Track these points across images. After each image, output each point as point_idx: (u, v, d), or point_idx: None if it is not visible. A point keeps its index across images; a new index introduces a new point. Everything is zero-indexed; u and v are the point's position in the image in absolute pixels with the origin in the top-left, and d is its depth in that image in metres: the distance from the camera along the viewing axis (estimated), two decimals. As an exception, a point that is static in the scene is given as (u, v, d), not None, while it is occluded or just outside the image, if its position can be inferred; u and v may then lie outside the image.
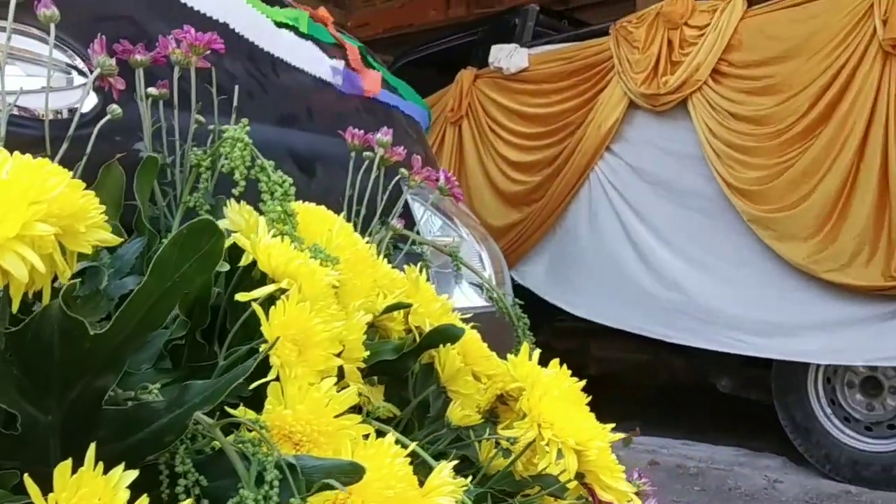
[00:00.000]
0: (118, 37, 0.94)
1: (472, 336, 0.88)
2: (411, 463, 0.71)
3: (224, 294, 0.74)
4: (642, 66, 3.43)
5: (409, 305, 0.85)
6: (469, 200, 4.05)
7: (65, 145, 0.76)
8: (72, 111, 0.94)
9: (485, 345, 0.89)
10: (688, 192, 3.41)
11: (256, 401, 0.64)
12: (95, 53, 0.77)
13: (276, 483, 0.54)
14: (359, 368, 0.76)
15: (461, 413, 0.84)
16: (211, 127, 0.89)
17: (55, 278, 0.55)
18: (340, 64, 1.31)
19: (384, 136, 0.97)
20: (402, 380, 0.90)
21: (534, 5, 4.23)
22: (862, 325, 3.03)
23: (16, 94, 0.79)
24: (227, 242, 0.69)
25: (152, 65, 0.91)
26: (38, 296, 0.53)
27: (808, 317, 3.13)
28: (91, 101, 0.96)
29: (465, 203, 4.02)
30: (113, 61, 0.79)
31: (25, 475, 0.46)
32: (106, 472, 0.49)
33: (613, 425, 0.79)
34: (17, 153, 0.51)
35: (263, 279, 0.69)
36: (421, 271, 0.93)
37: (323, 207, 0.81)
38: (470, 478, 0.77)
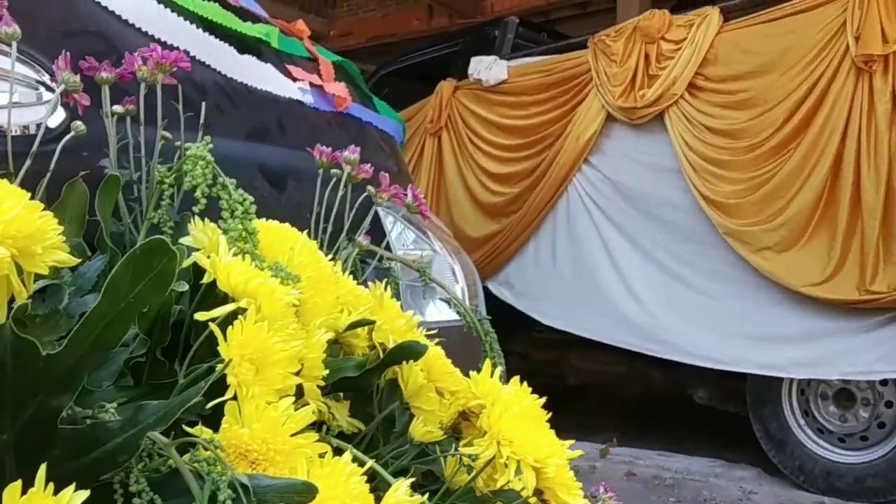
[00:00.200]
0: (87, 52, 0.94)
1: (435, 352, 0.89)
2: (375, 479, 0.72)
3: (188, 311, 0.75)
4: (620, 80, 3.46)
5: (373, 322, 0.85)
6: (448, 211, 4.07)
7: (28, 161, 0.77)
8: (40, 127, 0.95)
9: (449, 361, 0.90)
10: (664, 205, 3.43)
11: (218, 418, 0.64)
12: (60, 70, 0.78)
13: (229, 503, 0.54)
14: (322, 385, 0.77)
15: (424, 429, 0.85)
16: (178, 143, 0.89)
17: (13, 298, 0.56)
18: (307, 85, 1.32)
19: (352, 153, 0.97)
20: (367, 395, 0.91)
21: (513, 17, 4.26)
22: (836, 338, 3.06)
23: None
24: (188, 261, 0.70)
25: (120, 81, 0.91)
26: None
27: (783, 330, 3.16)
28: (59, 116, 0.96)
29: (441, 216, 4.03)
30: (77, 78, 0.79)
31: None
32: (62, 491, 0.49)
33: (573, 442, 0.80)
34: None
35: (227, 296, 0.69)
36: (387, 287, 0.94)
37: (287, 225, 0.82)
38: (430, 494, 0.78)
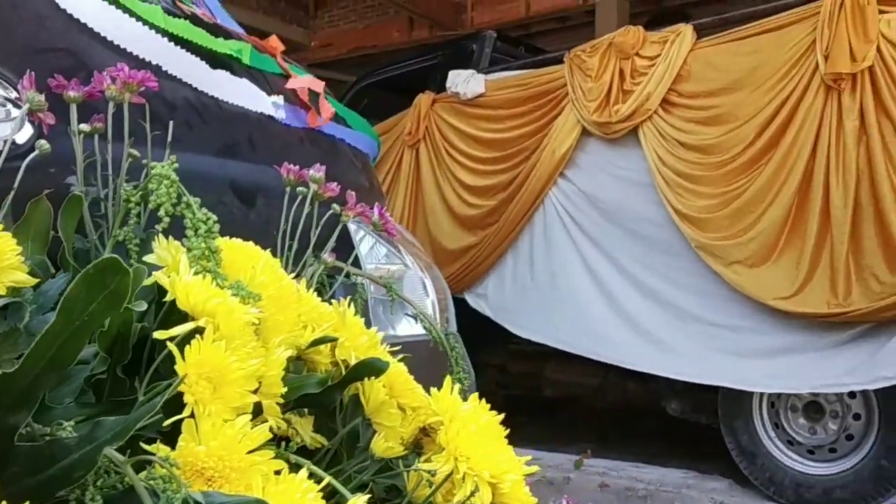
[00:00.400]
0: (56, 69, 0.95)
1: (398, 369, 0.90)
2: (334, 495, 0.73)
3: (152, 327, 0.76)
4: (595, 95, 3.50)
5: (335, 339, 0.87)
6: (425, 223, 4.08)
7: (-7, 179, 0.78)
8: (6, 143, 0.95)
9: (411, 377, 0.91)
10: (639, 219, 3.47)
11: (178, 435, 0.65)
12: (24, 89, 0.79)
13: (182, 519, 0.55)
14: (285, 401, 0.78)
15: (385, 445, 0.86)
16: (145, 161, 0.90)
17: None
18: (281, 99, 1.33)
19: (317, 172, 0.99)
20: (332, 411, 0.92)
21: (491, 32, 4.30)
22: (807, 352, 3.11)
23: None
24: (149, 280, 0.71)
25: (89, 99, 0.92)
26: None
27: (755, 344, 3.20)
28: (26, 133, 0.97)
29: (418, 228, 4.04)
30: (43, 97, 0.80)
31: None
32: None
33: (528, 459, 0.81)
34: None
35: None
36: (352, 304, 0.96)
37: (250, 243, 0.83)
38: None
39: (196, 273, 0.72)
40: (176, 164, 0.79)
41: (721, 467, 3.56)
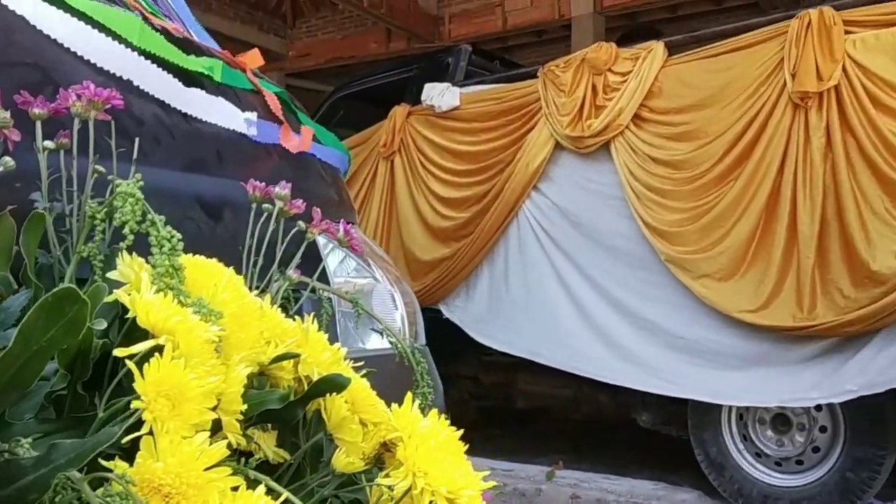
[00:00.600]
0: (23, 84, 0.96)
1: (360, 384, 0.91)
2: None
3: (115, 342, 0.77)
4: (568, 109, 3.54)
5: (297, 355, 0.88)
6: (399, 234, 4.10)
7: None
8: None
9: (373, 393, 0.92)
10: (610, 232, 3.51)
11: (137, 450, 0.66)
12: (-11, 107, 0.79)
13: (138, 536, 0.56)
14: (246, 417, 0.79)
15: (346, 460, 0.87)
16: (110, 177, 0.91)
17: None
18: (254, 115, 1.34)
19: (283, 189, 1.00)
20: (295, 426, 0.93)
21: (467, 45, 4.34)
22: (775, 366, 3.15)
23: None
24: (110, 298, 0.72)
25: (55, 115, 0.93)
26: None
27: (724, 358, 3.24)
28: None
29: (392, 239, 4.04)
30: (7, 114, 0.81)
31: None
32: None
33: (487, 473, 0.83)
34: None
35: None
36: (315, 319, 0.97)
37: (214, 260, 0.84)
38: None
39: (159, 290, 0.73)
40: (141, 182, 0.80)
41: (691, 479, 3.59)
